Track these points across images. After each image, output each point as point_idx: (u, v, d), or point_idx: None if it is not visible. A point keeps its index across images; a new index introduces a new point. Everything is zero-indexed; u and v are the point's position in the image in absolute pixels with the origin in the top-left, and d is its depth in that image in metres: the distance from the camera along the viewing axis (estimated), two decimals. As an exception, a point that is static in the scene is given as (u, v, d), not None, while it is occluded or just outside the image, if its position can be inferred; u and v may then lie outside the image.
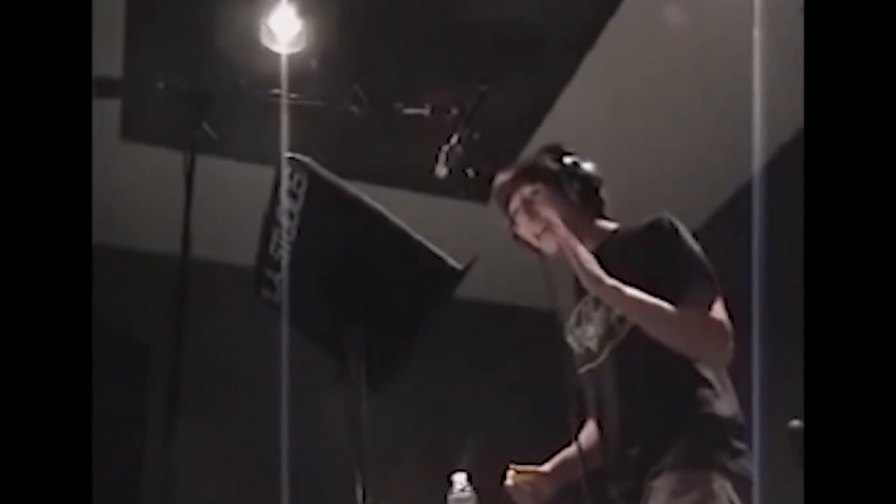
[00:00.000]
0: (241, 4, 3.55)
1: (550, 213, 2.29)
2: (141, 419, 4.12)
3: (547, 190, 2.35)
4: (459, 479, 2.31)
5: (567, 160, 2.37)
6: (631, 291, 2.05)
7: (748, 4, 3.51)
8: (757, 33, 3.53)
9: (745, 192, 4.17)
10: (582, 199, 2.34)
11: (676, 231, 2.18)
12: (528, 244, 2.38)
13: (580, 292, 2.32)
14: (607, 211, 2.42)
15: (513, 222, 2.40)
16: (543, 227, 2.30)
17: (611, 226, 2.38)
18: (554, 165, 2.37)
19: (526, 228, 2.36)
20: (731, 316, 2.10)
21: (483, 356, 5.08)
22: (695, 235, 2.23)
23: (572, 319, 2.34)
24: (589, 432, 2.36)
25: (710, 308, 2.08)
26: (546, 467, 2.37)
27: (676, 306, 2.06)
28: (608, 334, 2.20)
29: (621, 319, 2.17)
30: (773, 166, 4.12)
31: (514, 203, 2.38)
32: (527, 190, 2.36)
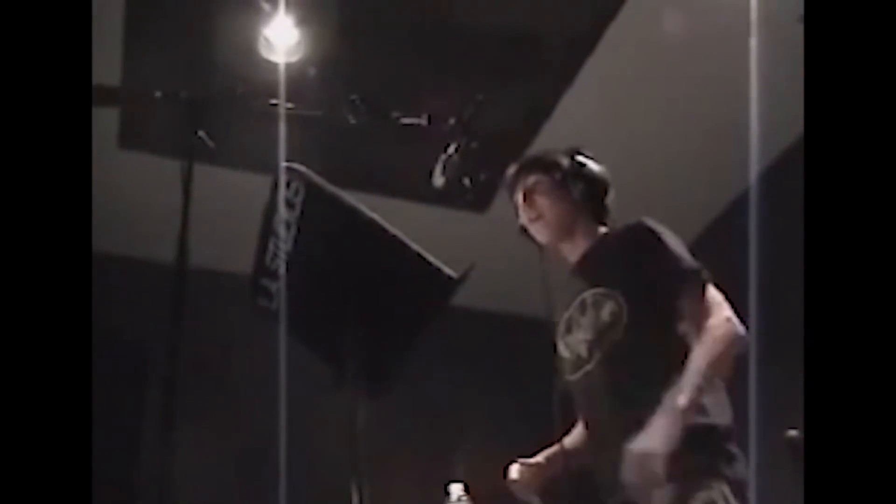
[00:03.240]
0: (239, 14, 3.56)
1: (545, 205, 2.34)
2: (139, 427, 4.12)
3: (549, 182, 2.37)
4: (456, 488, 2.32)
5: (579, 158, 2.39)
6: (702, 372, 2.04)
7: (747, 10, 3.52)
8: (754, 42, 3.54)
9: (744, 198, 4.17)
10: (584, 200, 2.36)
11: (656, 233, 2.21)
12: (532, 238, 2.41)
13: (571, 298, 2.34)
14: (610, 220, 2.43)
15: (517, 213, 2.43)
16: (536, 216, 2.35)
17: (603, 229, 2.40)
18: (564, 161, 2.39)
19: (522, 215, 2.38)
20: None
21: (479, 364, 5.08)
22: (693, 243, 2.25)
23: (562, 326, 2.35)
24: (575, 432, 2.38)
25: (703, 294, 2.13)
26: (539, 458, 2.39)
27: (674, 305, 2.13)
28: (597, 340, 2.21)
29: (610, 325, 2.19)
30: (772, 173, 4.13)
31: (519, 192, 2.41)
32: (531, 179, 2.39)
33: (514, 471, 2.36)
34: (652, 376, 2.12)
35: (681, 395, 1.98)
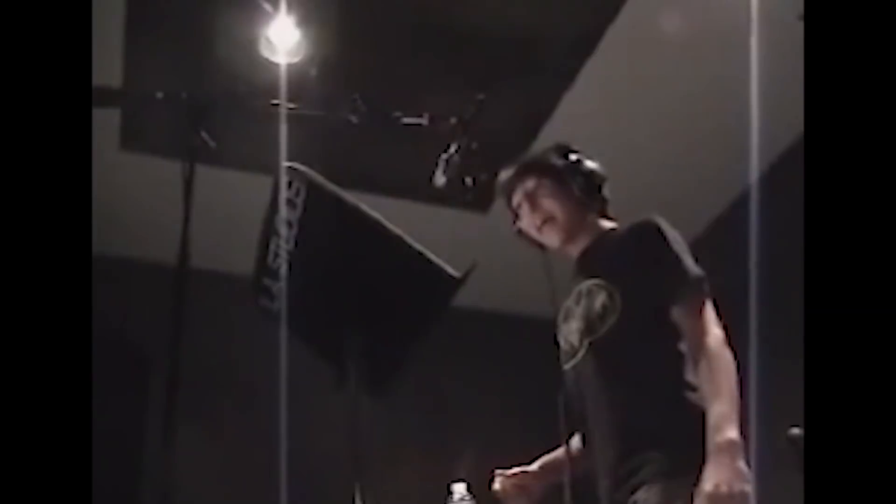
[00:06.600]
0: (241, 14, 3.56)
1: (553, 206, 2.35)
2: (140, 428, 4.13)
3: (550, 184, 2.38)
4: (459, 488, 2.32)
5: (572, 156, 2.40)
6: (731, 405, 2.00)
7: (747, 10, 3.52)
8: (754, 41, 3.55)
9: (746, 198, 4.18)
10: (584, 195, 2.37)
11: (662, 232, 2.21)
12: (530, 239, 2.42)
13: (571, 289, 2.34)
14: (610, 210, 2.44)
15: (516, 216, 2.43)
16: (544, 220, 2.36)
17: (609, 224, 2.40)
18: (559, 161, 2.40)
19: (528, 221, 2.40)
20: (720, 315, 2.14)
21: (480, 363, 5.08)
22: (694, 242, 2.25)
23: (561, 316, 2.35)
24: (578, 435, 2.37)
25: (702, 307, 2.12)
26: (534, 466, 2.38)
27: (669, 308, 2.12)
28: (587, 329, 2.22)
29: (601, 316, 2.19)
30: (772, 172, 4.13)
31: (518, 196, 2.41)
32: (530, 183, 2.39)
33: (497, 482, 2.34)
34: (635, 372, 2.13)
35: (730, 430, 1.95)
